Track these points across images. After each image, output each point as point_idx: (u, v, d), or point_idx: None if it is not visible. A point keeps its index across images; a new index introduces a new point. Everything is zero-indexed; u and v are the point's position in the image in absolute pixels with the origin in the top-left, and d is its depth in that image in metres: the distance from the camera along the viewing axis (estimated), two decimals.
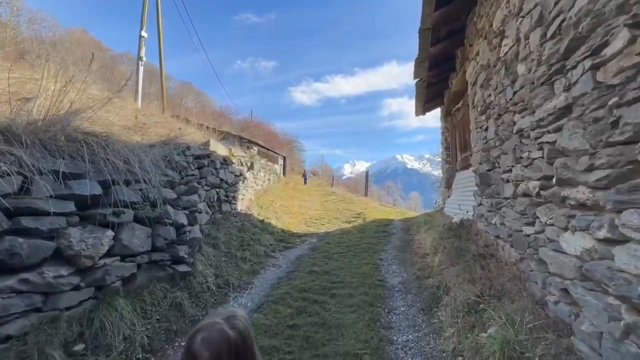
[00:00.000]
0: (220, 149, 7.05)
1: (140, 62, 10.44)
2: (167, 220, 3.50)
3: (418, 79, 6.34)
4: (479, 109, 4.28)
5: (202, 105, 36.24)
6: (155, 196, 3.44)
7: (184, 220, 3.92)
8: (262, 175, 13.01)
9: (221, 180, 6.66)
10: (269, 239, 6.60)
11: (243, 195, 8.60)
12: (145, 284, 3.22)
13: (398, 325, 3.23)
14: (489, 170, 3.92)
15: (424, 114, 9.93)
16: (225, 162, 7.14)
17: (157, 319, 3.01)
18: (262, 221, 7.62)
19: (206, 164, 5.77)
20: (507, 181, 3.18)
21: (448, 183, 8.91)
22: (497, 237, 3.61)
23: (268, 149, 22.20)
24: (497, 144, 3.49)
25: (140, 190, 3.35)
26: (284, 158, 27.96)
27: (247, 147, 18.10)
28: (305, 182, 41.31)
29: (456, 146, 8.56)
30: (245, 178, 8.67)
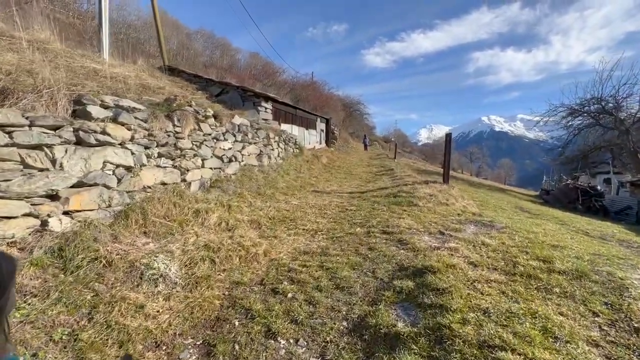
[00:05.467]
0: None
1: None
2: None
3: None
4: None
5: (267, 74, 33.45)
6: None
7: None
8: (202, 151, 6.40)
9: None
10: None
11: None
12: None
13: None
14: None
15: None
16: None
17: None
18: None
19: None
20: None
21: None
22: None
23: (296, 108, 15.36)
24: None
25: None
26: (327, 121, 20.79)
27: (254, 104, 11.65)
28: (365, 149, 34.01)
29: None
30: None
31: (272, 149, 9.33)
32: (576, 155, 24.12)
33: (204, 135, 5.91)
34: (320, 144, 19.20)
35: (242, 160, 7.29)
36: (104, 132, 3.69)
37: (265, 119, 11.86)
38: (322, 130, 20.05)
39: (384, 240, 4.17)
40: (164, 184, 4.68)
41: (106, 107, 3.90)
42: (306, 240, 4.33)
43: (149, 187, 4.37)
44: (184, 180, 5.13)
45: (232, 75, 24.05)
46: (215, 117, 6.51)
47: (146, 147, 4.44)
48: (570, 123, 23.27)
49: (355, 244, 4.11)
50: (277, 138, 9.89)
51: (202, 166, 5.72)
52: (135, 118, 4.28)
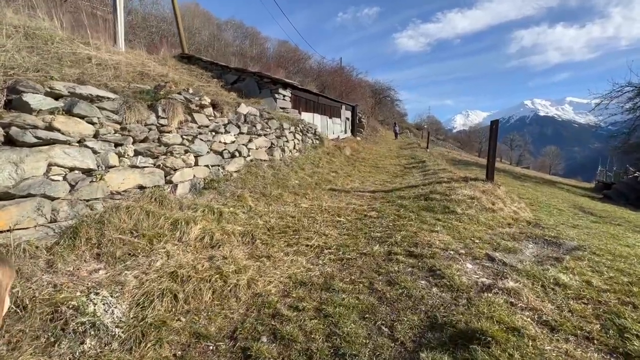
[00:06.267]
0: None
1: None
2: None
3: None
4: None
5: (293, 61, 32.82)
6: None
7: None
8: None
9: None
10: None
11: None
12: None
13: None
14: None
15: None
16: None
17: None
18: None
19: None
20: None
21: None
22: None
23: (318, 95, 14.25)
24: None
25: None
26: (353, 109, 19.46)
27: (271, 91, 10.75)
28: (395, 137, 32.24)
29: None
30: None
31: (287, 141, 8.40)
32: None
33: (198, 127, 5.08)
34: (345, 133, 18.01)
35: (249, 155, 6.43)
36: (50, 128, 2.93)
37: (284, 108, 10.94)
38: (348, 119, 18.79)
39: (410, 268, 3.09)
40: (141, 187, 3.92)
41: (58, 97, 3.13)
42: (307, 263, 3.36)
43: (120, 193, 3.61)
44: (169, 181, 4.34)
45: (260, 64, 23.38)
46: (214, 106, 5.66)
47: (117, 144, 3.67)
48: (638, 105, 20.02)
49: (371, 272, 3.07)
50: (292, 128, 8.93)
51: (195, 164, 4.92)
52: (101, 109, 3.50)
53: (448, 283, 2.73)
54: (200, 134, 5.10)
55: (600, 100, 20.88)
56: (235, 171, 5.84)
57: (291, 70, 28.56)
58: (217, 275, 2.91)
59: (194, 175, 4.83)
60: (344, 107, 17.82)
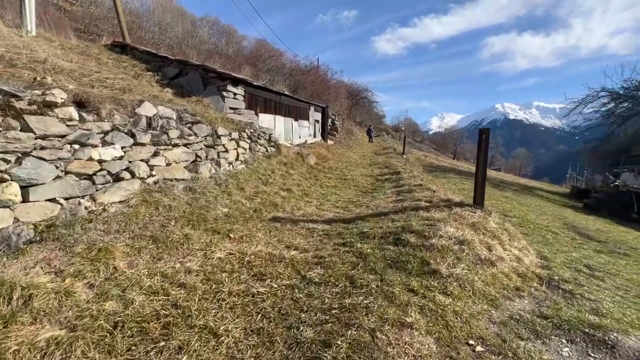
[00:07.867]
0: None
1: None
2: None
3: None
4: None
5: (262, 58, 31.02)
6: None
7: None
8: None
9: None
10: None
11: None
12: None
13: None
14: None
15: None
16: None
17: None
18: None
19: None
20: None
21: None
22: None
23: (280, 94, 12.35)
24: None
25: None
26: (323, 110, 17.77)
27: (218, 88, 8.83)
28: (370, 140, 30.80)
29: None
30: None
31: (225, 151, 6.52)
32: (618, 149, 20.57)
33: (37, 137, 3.14)
34: (315, 137, 16.30)
35: (151, 175, 4.51)
36: None
37: (235, 108, 9.06)
38: (317, 121, 17.07)
39: None
40: None
41: None
42: None
43: None
44: None
45: (235, 62, 21.33)
46: (81, 104, 3.72)
47: None
48: (612, 110, 19.74)
49: None
50: (235, 135, 7.06)
51: (25, 200, 2.98)
52: None
53: None
54: (42, 148, 3.17)
55: (576, 105, 20.44)
56: (120, 202, 3.92)
57: (260, 68, 26.57)
58: None
59: (16, 220, 2.89)
60: (312, 108, 16.08)
